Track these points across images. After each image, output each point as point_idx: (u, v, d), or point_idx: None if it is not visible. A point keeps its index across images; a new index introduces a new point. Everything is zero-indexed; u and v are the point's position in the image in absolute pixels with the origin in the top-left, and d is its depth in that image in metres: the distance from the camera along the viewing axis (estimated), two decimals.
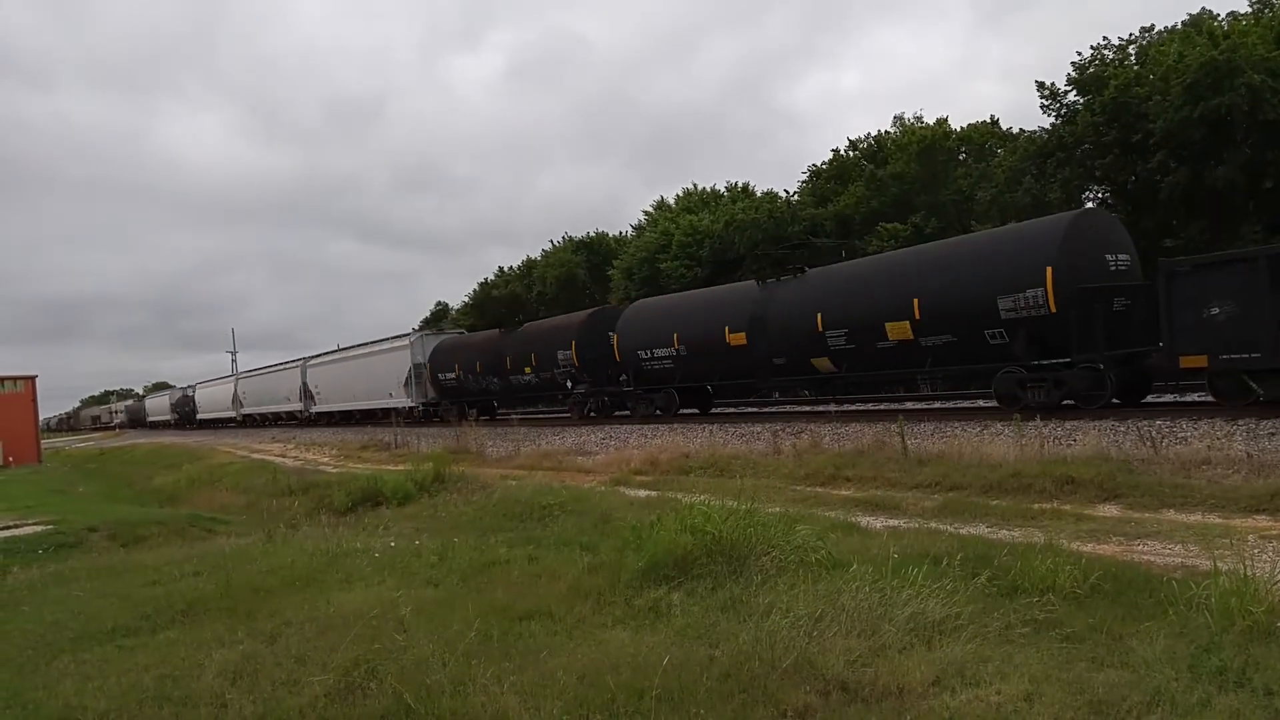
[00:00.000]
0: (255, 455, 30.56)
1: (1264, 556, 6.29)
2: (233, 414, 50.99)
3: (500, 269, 53.67)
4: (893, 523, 8.82)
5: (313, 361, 40.81)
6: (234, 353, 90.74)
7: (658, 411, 21.70)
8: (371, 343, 35.55)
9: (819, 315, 16.87)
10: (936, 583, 5.27)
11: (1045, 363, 14.03)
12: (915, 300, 15.13)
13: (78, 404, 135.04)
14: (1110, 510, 8.77)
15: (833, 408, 18.53)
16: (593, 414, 24.02)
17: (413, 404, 31.24)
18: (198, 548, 10.50)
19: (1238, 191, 20.05)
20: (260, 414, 46.90)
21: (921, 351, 15.42)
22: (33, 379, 39.11)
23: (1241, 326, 11.27)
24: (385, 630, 5.39)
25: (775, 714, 3.94)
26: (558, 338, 24.84)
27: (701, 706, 4.00)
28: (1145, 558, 6.74)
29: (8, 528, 13.34)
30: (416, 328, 41.47)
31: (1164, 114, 20.60)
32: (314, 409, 39.79)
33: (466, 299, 54.40)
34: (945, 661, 4.29)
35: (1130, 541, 7.41)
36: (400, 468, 18.08)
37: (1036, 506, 9.09)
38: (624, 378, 22.49)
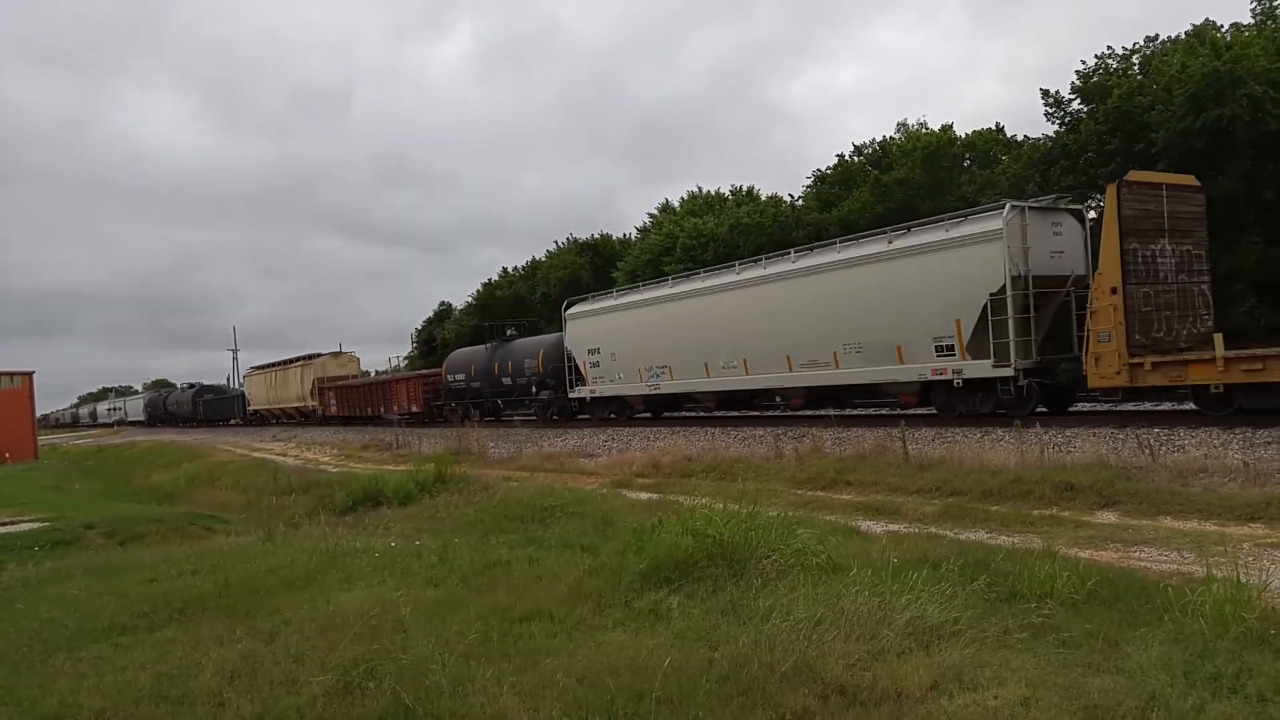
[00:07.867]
0: (255, 454, 30.54)
1: (1258, 564, 6.31)
2: (110, 421, 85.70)
3: (504, 269, 53.81)
4: (893, 527, 8.83)
5: (129, 397, 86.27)
6: (235, 350, 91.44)
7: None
8: (136, 391, 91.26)
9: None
10: (935, 587, 5.29)
11: None
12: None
13: (75, 401, 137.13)
14: (1108, 517, 8.79)
15: (833, 412, 18.62)
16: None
17: (143, 418, 70.88)
18: (196, 546, 10.48)
19: (1238, 202, 20.04)
20: (108, 421, 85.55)
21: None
22: (30, 374, 39.16)
23: None
24: (384, 630, 5.39)
25: (774, 717, 3.94)
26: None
27: (701, 709, 4.00)
28: (1142, 564, 6.76)
29: (3, 524, 13.33)
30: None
31: (1166, 124, 20.60)
32: (127, 420, 77.91)
33: (470, 299, 54.45)
34: (943, 666, 4.30)
35: (1127, 548, 7.43)
36: (402, 468, 18.08)
37: (1036, 512, 9.11)
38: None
